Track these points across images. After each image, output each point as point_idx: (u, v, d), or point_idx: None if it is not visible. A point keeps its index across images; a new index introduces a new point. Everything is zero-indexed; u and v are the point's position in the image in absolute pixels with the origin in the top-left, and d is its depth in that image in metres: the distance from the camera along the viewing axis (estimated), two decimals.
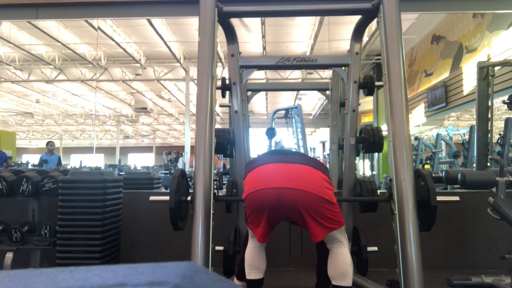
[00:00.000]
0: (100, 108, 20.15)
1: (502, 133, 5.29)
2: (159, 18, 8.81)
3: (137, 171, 13.13)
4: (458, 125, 15.37)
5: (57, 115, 21.71)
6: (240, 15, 3.25)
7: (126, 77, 13.87)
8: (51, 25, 9.85)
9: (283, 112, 9.77)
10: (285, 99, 18.06)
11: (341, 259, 2.04)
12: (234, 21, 2.80)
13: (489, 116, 4.20)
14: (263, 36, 10.29)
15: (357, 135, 2.92)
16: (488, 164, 4.10)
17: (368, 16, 2.58)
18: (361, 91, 2.96)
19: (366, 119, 13.56)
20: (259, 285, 2.11)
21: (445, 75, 8.77)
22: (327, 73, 12.38)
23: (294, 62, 2.97)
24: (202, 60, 2.25)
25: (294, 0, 4.43)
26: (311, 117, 20.53)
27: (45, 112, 21.01)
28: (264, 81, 14.21)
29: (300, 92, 15.54)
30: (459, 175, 2.69)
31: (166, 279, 0.32)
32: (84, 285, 0.31)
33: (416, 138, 9.19)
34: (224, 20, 2.58)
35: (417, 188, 2.09)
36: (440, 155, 8.64)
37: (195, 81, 10.83)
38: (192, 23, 9.41)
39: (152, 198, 2.58)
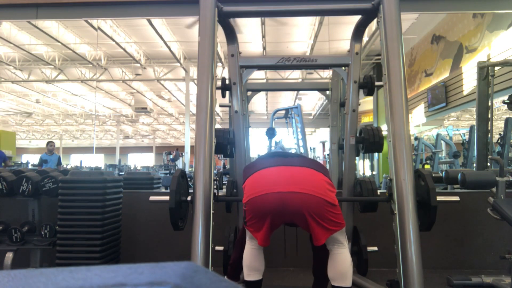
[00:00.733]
0: (100, 108, 20.16)
1: (502, 133, 5.29)
2: (159, 18, 8.81)
3: (137, 171, 13.13)
4: (458, 125, 15.39)
5: (57, 115, 21.72)
6: (240, 15, 3.24)
7: (126, 77, 13.87)
8: (51, 25, 9.85)
9: (283, 112, 9.77)
10: (285, 99, 18.06)
11: (342, 260, 2.04)
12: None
13: (489, 116, 4.20)
14: (263, 36, 10.29)
15: (357, 135, 2.92)
16: (488, 164, 4.10)
17: (368, 16, 2.58)
18: (361, 91, 2.96)
19: (366, 119, 13.56)
20: (259, 286, 2.11)
21: (445, 75, 8.77)
22: (327, 73, 12.39)
23: (294, 62, 2.97)
24: (202, 60, 2.25)
25: (294, 0, 4.43)
26: (311, 117, 20.53)
27: (45, 112, 21.02)
28: (264, 81, 14.21)
29: (300, 92, 15.54)
30: (459, 175, 2.69)
31: (166, 279, 0.32)
32: (84, 285, 0.31)
33: (416, 138, 9.19)
34: (224, 20, 2.58)
35: (417, 188, 2.09)
36: (440, 155, 8.64)
37: (195, 81, 10.83)
38: (195, 24, 9.41)
39: (152, 198, 2.58)
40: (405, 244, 1.93)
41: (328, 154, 9.30)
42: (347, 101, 2.95)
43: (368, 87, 2.92)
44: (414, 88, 10.67)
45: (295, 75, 13.78)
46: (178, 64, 12.50)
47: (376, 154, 11.23)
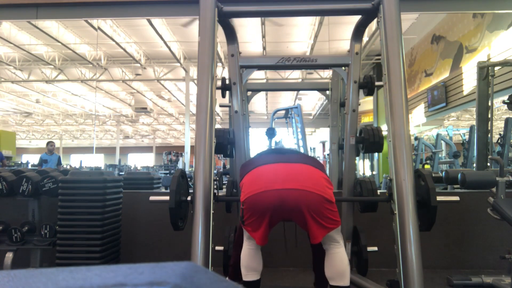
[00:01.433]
0: (100, 108, 20.16)
1: (502, 133, 5.29)
2: (159, 18, 8.80)
3: (137, 171, 13.13)
4: (458, 125, 15.39)
5: (57, 115, 21.72)
6: (240, 15, 3.24)
7: (126, 77, 13.87)
8: (51, 25, 9.85)
9: (283, 112, 9.77)
10: (285, 99, 18.06)
11: (339, 260, 2.03)
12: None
13: (489, 116, 4.20)
14: (263, 36, 10.29)
15: (357, 135, 2.92)
16: (488, 164, 4.11)
17: (368, 16, 2.58)
18: (361, 91, 2.96)
19: (366, 119, 13.56)
20: (257, 286, 2.10)
21: (445, 75, 8.77)
22: (327, 73, 12.39)
23: (294, 62, 2.97)
24: (202, 60, 2.25)
25: (294, 0, 4.43)
26: (311, 117, 20.53)
27: (45, 112, 21.02)
28: (264, 81, 14.21)
29: (300, 92, 15.54)
30: (459, 175, 2.69)
31: (166, 279, 0.32)
32: (84, 285, 0.31)
33: (416, 138, 9.19)
34: (224, 20, 2.58)
35: (417, 188, 2.09)
36: (440, 155, 8.64)
37: (195, 81, 10.83)
38: (192, 23, 9.41)
39: (152, 198, 2.58)
40: (405, 244, 1.93)
41: (328, 154, 9.30)
42: (347, 101, 2.94)
43: (368, 87, 2.92)
44: (414, 88, 10.67)
45: (295, 75, 13.78)
46: (178, 64, 12.49)
47: (376, 154, 11.23)
